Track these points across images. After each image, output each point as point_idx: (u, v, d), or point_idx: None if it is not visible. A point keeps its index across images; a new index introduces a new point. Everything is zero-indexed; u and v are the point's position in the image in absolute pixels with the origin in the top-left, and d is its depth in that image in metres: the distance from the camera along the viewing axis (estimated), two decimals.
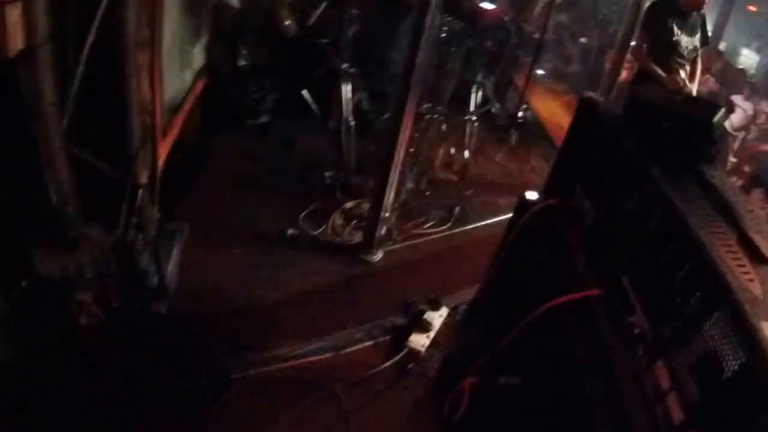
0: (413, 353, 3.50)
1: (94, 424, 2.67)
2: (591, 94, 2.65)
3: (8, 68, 2.33)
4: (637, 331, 1.85)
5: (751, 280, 1.56)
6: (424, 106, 5.11)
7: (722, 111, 2.09)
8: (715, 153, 2.21)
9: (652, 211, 1.94)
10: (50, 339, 2.74)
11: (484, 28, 6.08)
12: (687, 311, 1.64)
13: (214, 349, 3.23)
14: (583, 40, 9.94)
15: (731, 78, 11.26)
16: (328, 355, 3.41)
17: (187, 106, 4.37)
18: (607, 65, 7.37)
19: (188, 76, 4.53)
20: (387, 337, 3.63)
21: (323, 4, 5.38)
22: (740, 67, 12.09)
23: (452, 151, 5.76)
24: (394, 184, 4.09)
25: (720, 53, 12.84)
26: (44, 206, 2.63)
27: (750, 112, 8.84)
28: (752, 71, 13.61)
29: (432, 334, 3.61)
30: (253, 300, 3.66)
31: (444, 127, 5.64)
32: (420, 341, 3.56)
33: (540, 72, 8.62)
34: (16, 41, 2.31)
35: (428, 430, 2.98)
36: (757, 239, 1.75)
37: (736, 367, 1.43)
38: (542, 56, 7.98)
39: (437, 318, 3.71)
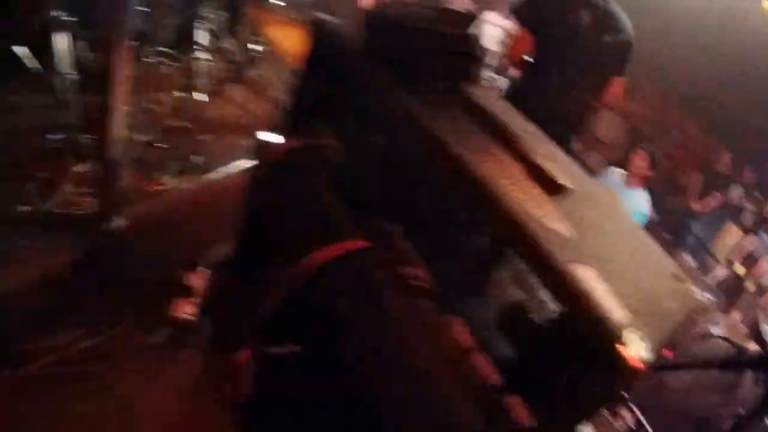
0: (180, 323, 3.26)
1: None
2: (322, 15, 2.28)
3: None
4: (415, 282, 1.70)
5: (545, 215, 1.38)
6: (142, 46, 4.66)
7: (477, 21, 1.88)
8: (476, 69, 2.03)
9: (409, 145, 1.69)
10: None
11: None
12: (472, 257, 1.51)
13: None
14: None
15: None
16: (90, 341, 3.05)
17: None
18: None
19: None
20: (148, 310, 3.34)
21: None
22: None
23: (183, 94, 5.38)
24: (119, 139, 3.69)
25: None
26: None
27: (512, 31, 9.29)
28: None
29: (196, 299, 3.38)
30: None
31: (171, 69, 5.25)
32: (184, 309, 3.32)
33: (278, 1, 8.33)
34: None
35: (212, 411, 2.80)
36: (547, 166, 1.55)
37: (547, 317, 1.32)
38: None
39: (197, 281, 3.48)
